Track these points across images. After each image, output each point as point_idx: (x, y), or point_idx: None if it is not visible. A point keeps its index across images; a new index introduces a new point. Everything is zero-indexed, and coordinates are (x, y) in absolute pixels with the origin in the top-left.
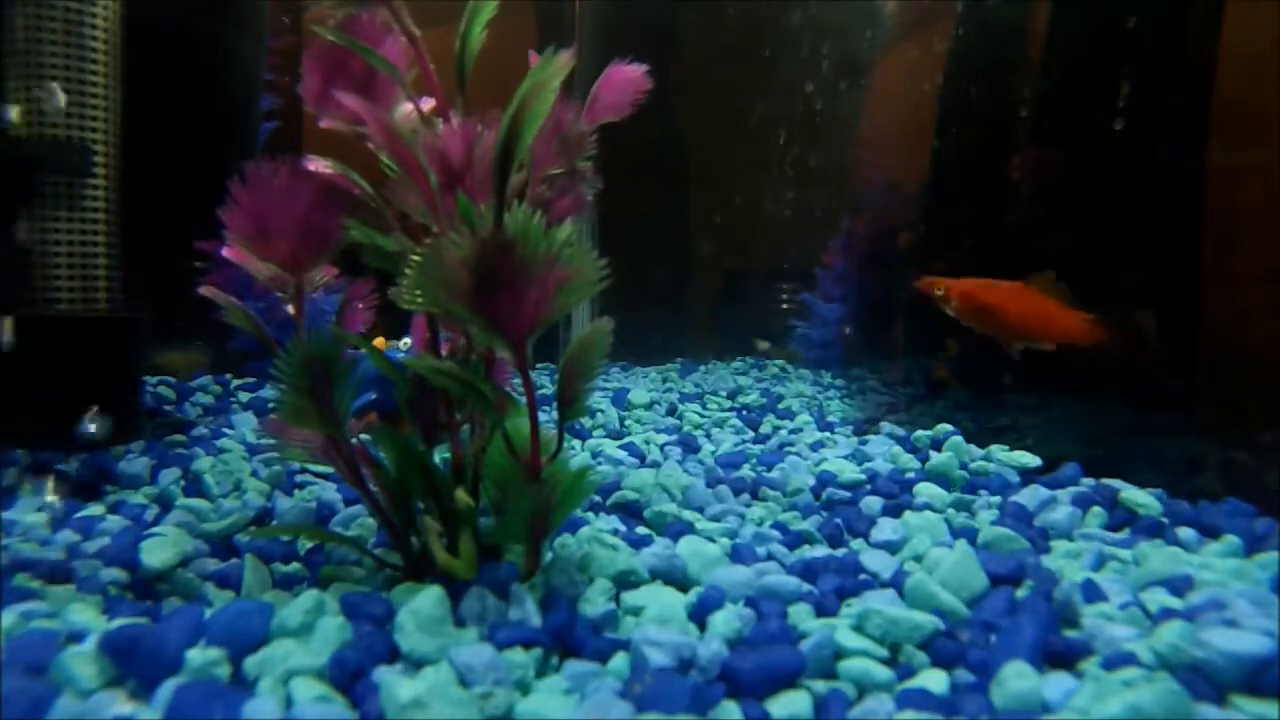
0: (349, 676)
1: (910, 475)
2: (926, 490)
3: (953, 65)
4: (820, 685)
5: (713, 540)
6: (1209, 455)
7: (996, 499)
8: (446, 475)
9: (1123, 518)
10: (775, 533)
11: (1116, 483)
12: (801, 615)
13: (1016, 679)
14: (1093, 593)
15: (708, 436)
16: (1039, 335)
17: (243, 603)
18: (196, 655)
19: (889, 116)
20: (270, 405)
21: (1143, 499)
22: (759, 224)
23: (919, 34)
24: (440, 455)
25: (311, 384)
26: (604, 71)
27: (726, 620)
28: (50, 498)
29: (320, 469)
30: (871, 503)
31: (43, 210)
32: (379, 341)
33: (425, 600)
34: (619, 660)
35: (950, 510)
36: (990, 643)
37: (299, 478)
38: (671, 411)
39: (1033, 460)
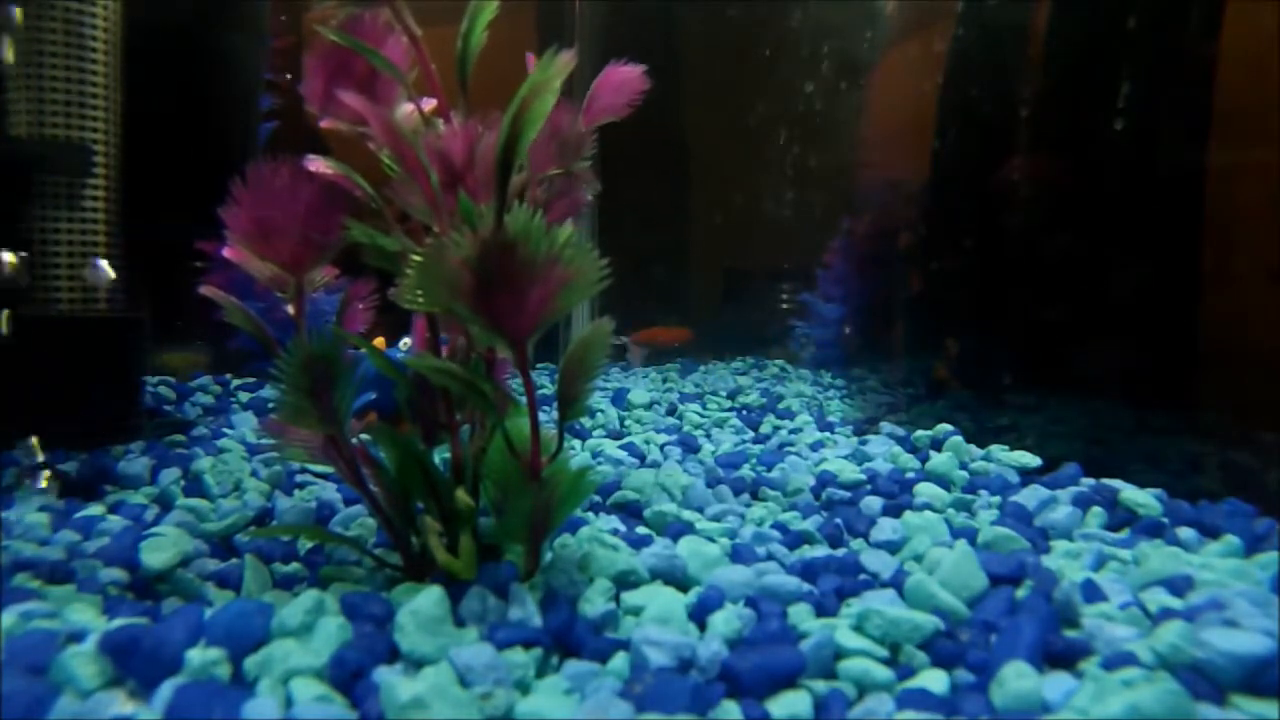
0: (349, 676)
1: (910, 475)
2: (926, 490)
3: (953, 65)
4: (820, 685)
5: (713, 540)
6: (1209, 455)
7: (996, 499)
8: (446, 475)
9: (1123, 518)
10: (775, 533)
11: (1116, 483)
12: (801, 615)
13: (1016, 679)
14: (1093, 593)
15: (708, 436)
16: None
17: (243, 603)
18: (196, 655)
19: (889, 117)
20: (270, 405)
21: (1143, 499)
22: (759, 224)
23: (919, 34)
24: (440, 455)
25: (311, 384)
26: (601, 72)
27: (726, 620)
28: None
29: (320, 469)
30: (871, 503)
31: (43, 210)
32: (379, 341)
33: (425, 600)
34: (619, 660)
35: (950, 510)
36: (990, 643)
37: (299, 478)
38: (671, 411)
39: (1033, 460)
